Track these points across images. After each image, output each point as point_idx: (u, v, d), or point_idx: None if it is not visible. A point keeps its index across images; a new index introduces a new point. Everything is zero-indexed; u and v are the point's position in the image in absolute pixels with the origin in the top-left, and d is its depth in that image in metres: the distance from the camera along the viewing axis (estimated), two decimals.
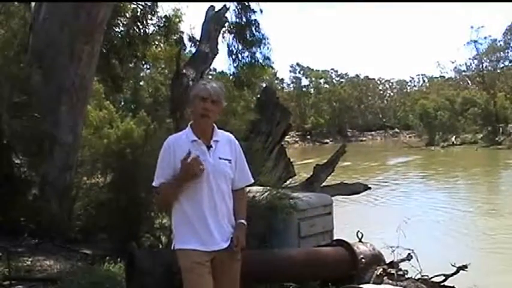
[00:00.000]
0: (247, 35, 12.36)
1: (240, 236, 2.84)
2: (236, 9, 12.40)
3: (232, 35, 12.45)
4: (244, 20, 12.41)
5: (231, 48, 12.54)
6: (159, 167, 2.85)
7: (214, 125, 2.91)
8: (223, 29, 12.28)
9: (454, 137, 44.78)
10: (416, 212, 13.75)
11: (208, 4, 12.01)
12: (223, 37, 12.48)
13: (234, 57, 12.59)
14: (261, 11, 12.55)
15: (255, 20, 12.46)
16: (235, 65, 12.71)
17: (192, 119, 2.91)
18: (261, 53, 12.59)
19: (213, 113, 2.82)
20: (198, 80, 10.00)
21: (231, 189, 2.91)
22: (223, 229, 2.82)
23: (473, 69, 55.75)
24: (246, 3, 12.40)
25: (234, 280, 2.90)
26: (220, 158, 2.84)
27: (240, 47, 12.50)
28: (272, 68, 13.79)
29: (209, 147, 2.84)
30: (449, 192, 18.80)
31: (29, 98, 6.18)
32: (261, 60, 12.68)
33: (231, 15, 12.42)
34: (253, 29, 12.44)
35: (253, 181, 3.05)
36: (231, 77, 13.38)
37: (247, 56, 12.58)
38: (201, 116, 2.82)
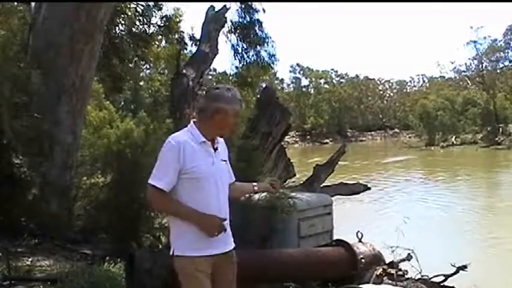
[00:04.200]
0: (251, 35, 12.39)
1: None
2: (239, 9, 12.45)
3: (237, 34, 12.48)
4: (247, 19, 12.46)
5: (236, 48, 12.58)
6: (165, 166, 2.70)
7: None
8: (227, 29, 12.33)
9: (454, 137, 44.80)
10: (415, 211, 13.77)
11: (208, 4, 12.04)
12: (228, 37, 12.54)
13: (239, 56, 12.64)
14: (264, 11, 12.62)
15: (258, 19, 12.53)
16: (240, 64, 12.76)
17: (207, 125, 2.78)
18: (266, 51, 12.67)
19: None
20: (198, 80, 10.01)
21: None
22: (226, 231, 2.80)
23: (473, 69, 55.74)
24: (249, 3, 12.44)
25: (231, 282, 2.89)
26: (221, 160, 2.87)
27: (245, 47, 12.54)
28: (272, 68, 13.80)
29: (215, 149, 2.84)
30: (449, 191, 18.81)
31: (29, 98, 6.18)
32: (266, 59, 12.76)
33: (234, 15, 12.48)
34: (256, 28, 12.48)
35: (234, 180, 3.06)
36: (231, 77, 13.44)
37: (252, 55, 12.63)
38: (229, 131, 2.85)
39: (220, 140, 2.92)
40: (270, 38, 12.69)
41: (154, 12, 12.66)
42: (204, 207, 2.74)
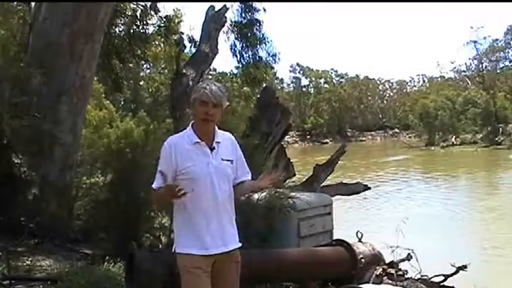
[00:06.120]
0: (250, 34, 12.41)
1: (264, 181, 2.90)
2: (239, 9, 12.47)
3: (236, 34, 12.50)
4: (247, 18, 12.48)
5: (234, 48, 12.60)
6: (162, 167, 2.81)
7: (215, 125, 2.90)
8: (227, 28, 12.35)
9: (454, 137, 44.76)
10: (414, 210, 13.77)
11: (207, 4, 12.05)
12: (228, 37, 12.55)
13: (238, 56, 12.66)
14: (264, 10, 12.65)
15: (256, 19, 12.55)
16: (239, 64, 12.79)
17: (194, 121, 2.89)
18: (266, 50, 12.71)
19: (214, 117, 2.80)
20: (198, 80, 10.02)
21: (232, 185, 2.90)
22: (225, 231, 2.82)
23: (473, 69, 55.76)
24: (250, 3, 12.46)
25: (234, 281, 2.90)
26: (222, 160, 2.85)
27: (244, 46, 12.56)
28: (272, 67, 13.81)
29: (212, 149, 2.84)
30: (448, 190, 18.80)
31: (29, 98, 6.18)
32: (264, 58, 12.80)
33: (234, 15, 12.49)
34: (254, 28, 12.50)
35: (250, 176, 3.04)
36: (232, 77, 13.52)
37: (251, 55, 12.64)
38: (202, 120, 2.81)
39: (225, 139, 2.92)
40: (267, 37, 12.78)
41: (151, 14, 12.65)
42: (200, 207, 2.78)
